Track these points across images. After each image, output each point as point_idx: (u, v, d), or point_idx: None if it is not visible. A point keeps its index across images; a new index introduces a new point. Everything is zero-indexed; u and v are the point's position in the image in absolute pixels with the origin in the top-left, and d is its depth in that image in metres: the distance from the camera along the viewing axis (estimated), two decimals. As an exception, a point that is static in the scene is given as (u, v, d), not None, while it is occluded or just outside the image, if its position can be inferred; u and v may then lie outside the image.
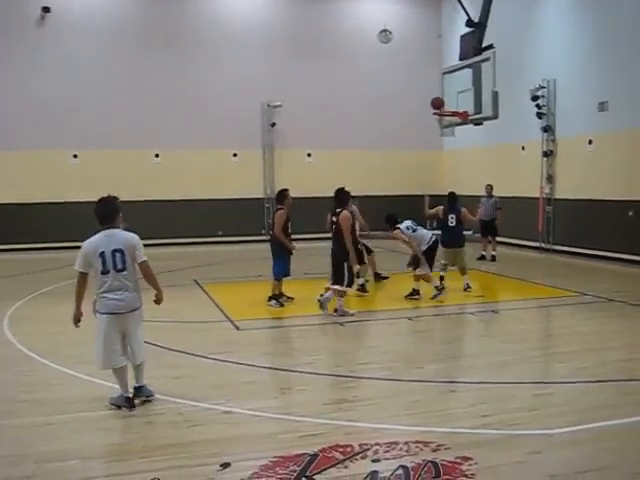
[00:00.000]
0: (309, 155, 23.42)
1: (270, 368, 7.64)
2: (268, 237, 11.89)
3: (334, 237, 10.77)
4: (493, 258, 17.18)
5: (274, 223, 11.54)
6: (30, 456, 5.18)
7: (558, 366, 7.93)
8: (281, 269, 11.53)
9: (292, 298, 11.85)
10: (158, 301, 6.50)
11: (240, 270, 16.53)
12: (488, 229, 17.36)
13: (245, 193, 22.50)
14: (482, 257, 17.30)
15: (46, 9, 20.81)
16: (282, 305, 11.39)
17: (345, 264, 10.49)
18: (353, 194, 11.70)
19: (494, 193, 17.73)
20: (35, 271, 16.15)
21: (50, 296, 12.65)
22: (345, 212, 10.67)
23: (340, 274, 10.55)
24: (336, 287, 10.57)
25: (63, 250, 18.52)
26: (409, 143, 23.53)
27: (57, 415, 6.14)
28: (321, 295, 10.71)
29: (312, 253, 14.92)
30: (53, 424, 5.93)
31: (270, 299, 11.43)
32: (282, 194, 11.77)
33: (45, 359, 8.03)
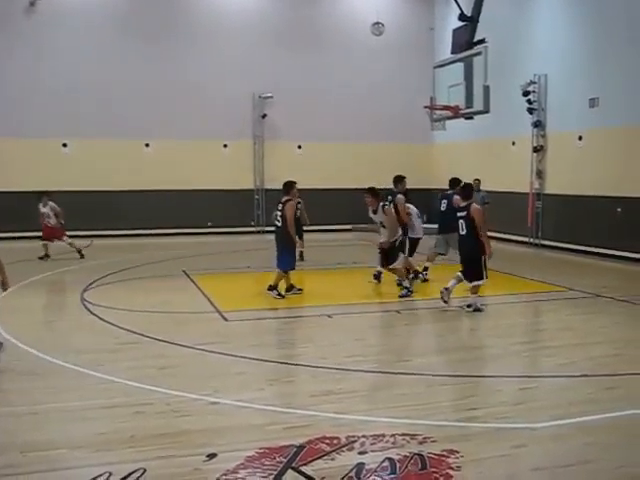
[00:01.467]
0: (299, 147, 23.38)
1: (258, 359, 7.65)
2: (274, 228, 11.70)
3: (468, 233, 10.26)
4: None
5: (284, 215, 11.25)
6: (15, 445, 5.17)
7: (544, 360, 7.99)
8: (289, 262, 11.45)
9: (301, 290, 11.79)
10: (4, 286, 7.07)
11: (229, 261, 16.53)
12: None
13: (235, 184, 22.46)
14: None
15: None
16: (283, 297, 11.29)
17: (483, 258, 10.24)
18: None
19: (482, 187, 17.77)
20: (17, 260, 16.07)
21: (38, 285, 12.62)
22: (476, 206, 10.43)
23: (478, 269, 10.27)
24: (478, 283, 10.34)
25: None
26: (399, 136, 23.51)
27: (42, 405, 6.12)
28: (446, 289, 10.32)
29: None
30: (38, 413, 5.91)
31: (271, 289, 11.34)
32: (290, 185, 11.69)
33: (31, 348, 7.98)
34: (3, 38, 20.50)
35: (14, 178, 20.32)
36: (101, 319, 9.62)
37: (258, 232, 22.45)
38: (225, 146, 22.71)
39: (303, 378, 7.18)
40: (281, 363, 7.68)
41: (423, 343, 9.12)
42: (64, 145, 21.29)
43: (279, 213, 11.37)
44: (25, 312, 10.29)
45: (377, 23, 23.48)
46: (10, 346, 8.04)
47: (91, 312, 10.11)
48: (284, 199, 11.48)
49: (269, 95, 22.51)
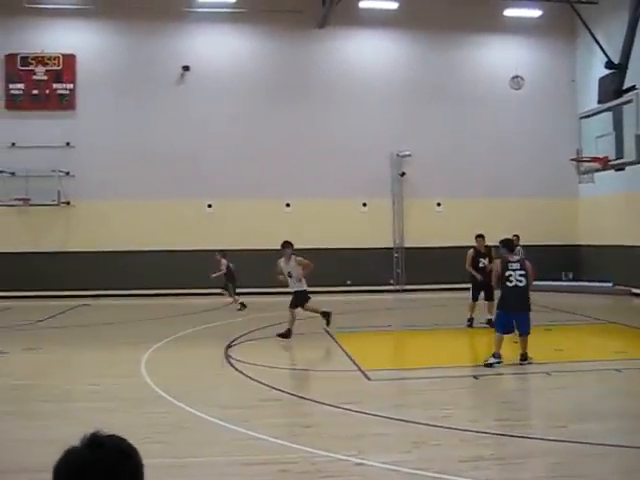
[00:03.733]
0: (439, 205, 23.11)
1: (402, 420, 7.38)
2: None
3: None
4: None
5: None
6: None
7: None
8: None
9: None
10: None
11: (370, 320, 16.37)
12: None
13: (374, 243, 22.44)
14: None
15: (186, 68, 22.15)
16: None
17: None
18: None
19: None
20: (169, 316, 16.72)
21: (185, 340, 13.01)
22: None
23: None
24: None
25: (199, 297, 19.15)
26: (542, 190, 22.72)
27: (187, 458, 6.17)
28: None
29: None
30: (186, 467, 5.95)
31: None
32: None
33: (178, 401, 8.14)
34: (154, 105, 22.02)
35: (161, 238, 21.44)
36: (245, 375, 9.71)
37: (397, 291, 22.20)
38: (364, 205, 22.85)
39: (451, 442, 6.83)
40: (426, 425, 7.36)
41: (576, 407, 8.48)
42: (209, 206, 22.26)
43: None
44: (172, 366, 10.59)
45: (516, 77, 23.11)
46: (158, 399, 8.25)
47: (235, 368, 10.25)
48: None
49: (407, 153, 22.56)
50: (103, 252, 21.41)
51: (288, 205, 22.58)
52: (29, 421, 7.65)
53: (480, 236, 14.20)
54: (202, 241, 21.32)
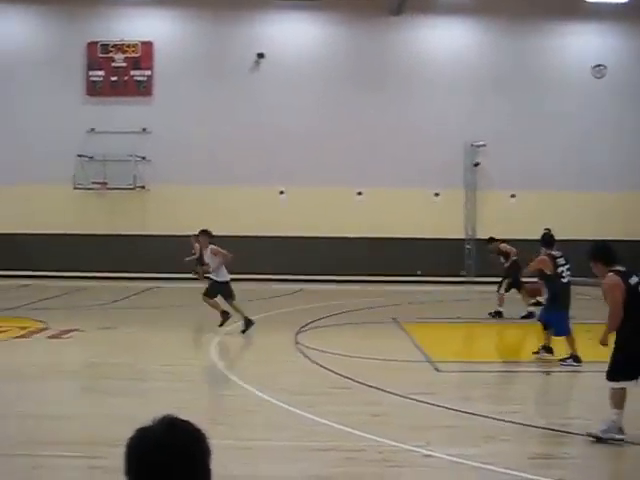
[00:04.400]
0: (512, 196, 22.59)
1: (472, 414, 7.25)
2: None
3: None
4: None
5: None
6: (223, 477, 5.23)
7: None
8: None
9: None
10: None
11: (439, 311, 16.18)
12: None
13: (445, 233, 22.14)
14: None
15: (261, 55, 22.29)
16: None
17: None
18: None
19: None
20: (241, 300, 16.92)
21: (256, 325, 13.15)
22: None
23: None
24: None
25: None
26: (626, 183, 21.91)
27: (254, 441, 6.21)
28: None
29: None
30: (250, 449, 6.00)
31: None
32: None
33: (248, 385, 8.22)
34: (229, 92, 22.28)
35: (234, 222, 21.67)
36: (313, 362, 9.73)
37: (468, 282, 21.87)
38: (436, 195, 22.55)
39: (521, 437, 6.67)
40: (495, 419, 7.21)
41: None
42: (281, 192, 22.40)
43: None
44: (242, 350, 10.72)
45: (599, 65, 22.34)
46: (227, 382, 8.36)
47: (304, 354, 10.29)
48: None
49: (482, 143, 22.12)
50: (177, 236, 21.80)
51: (360, 193, 22.50)
52: (106, 397, 7.88)
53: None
54: (275, 227, 21.51)
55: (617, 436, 6.15)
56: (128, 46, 22.67)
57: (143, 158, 22.23)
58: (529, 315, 13.23)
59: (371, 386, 8.24)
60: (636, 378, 6.30)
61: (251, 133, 22.08)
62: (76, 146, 22.01)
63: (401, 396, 7.86)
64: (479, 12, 22.45)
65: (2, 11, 22.86)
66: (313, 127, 22.14)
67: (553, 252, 10.05)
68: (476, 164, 22.36)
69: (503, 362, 10.23)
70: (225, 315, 12.02)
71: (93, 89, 22.75)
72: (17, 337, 11.58)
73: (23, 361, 9.72)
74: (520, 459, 5.94)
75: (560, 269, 9.73)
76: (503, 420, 7.15)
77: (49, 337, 11.55)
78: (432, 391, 8.12)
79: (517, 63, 22.56)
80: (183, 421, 1.98)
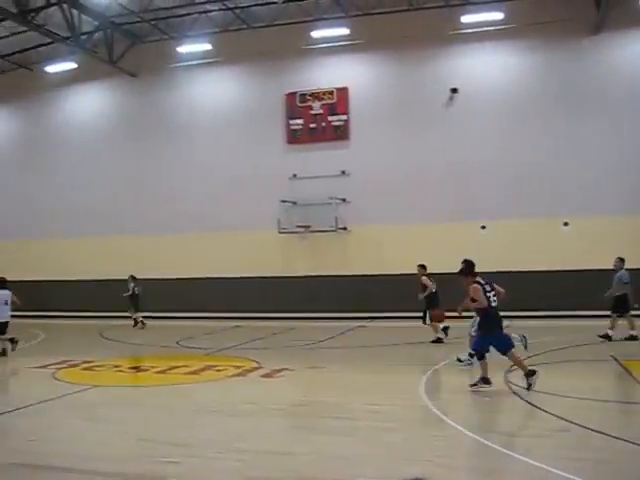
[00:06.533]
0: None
1: None
2: None
3: None
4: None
5: None
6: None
7: None
8: None
9: None
10: None
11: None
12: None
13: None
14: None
15: (454, 90, 22.18)
16: None
17: None
18: None
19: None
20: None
21: (456, 365, 12.84)
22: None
23: None
24: None
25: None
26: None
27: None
28: None
29: None
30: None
31: None
32: None
33: (459, 425, 7.97)
34: (423, 130, 22.49)
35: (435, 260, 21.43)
36: (526, 401, 9.25)
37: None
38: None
39: None
40: None
41: None
42: (483, 227, 21.88)
43: None
44: (450, 389, 10.46)
45: None
46: (438, 422, 8.17)
47: (515, 393, 9.82)
48: None
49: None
50: (379, 275, 22.04)
51: (566, 224, 21.34)
52: (316, 435, 8.00)
53: None
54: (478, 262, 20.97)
55: None
56: (324, 93, 23.61)
57: (343, 200, 22.84)
58: None
59: (592, 429, 7.63)
60: None
61: (448, 169, 21.95)
62: (280, 192, 23.16)
63: (625, 441, 7.16)
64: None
65: (218, 72, 25.00)
66: (509, 157, 21.55)
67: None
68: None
69: None
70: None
71: (293, 137, 23.91)
72: (233, 375, 12.23)
73: (240, 399, 10.20)
74: None
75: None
76: None
77: (262, 376, 12.05)
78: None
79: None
80: None
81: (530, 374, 9.77)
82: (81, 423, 8.97)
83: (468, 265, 10.53)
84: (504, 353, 10.05)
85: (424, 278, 16.32)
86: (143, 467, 6.78)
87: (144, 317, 21.78)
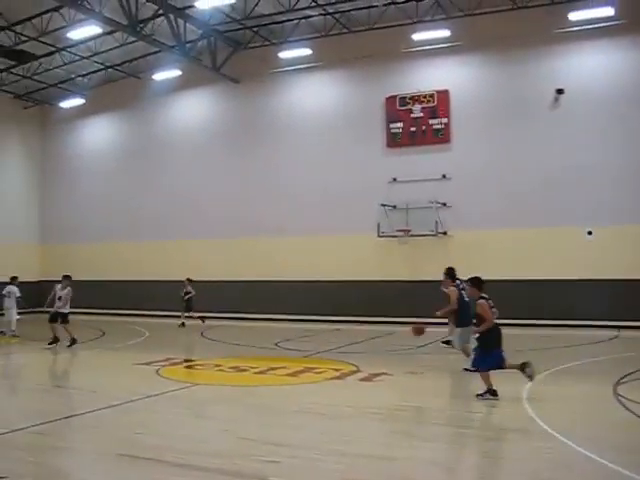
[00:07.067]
0: None
1: None
2: None
3: None
4: None
5: None
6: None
7: None
8: None
9: None
10: None
11: None
12: None
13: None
14: None
15: (560, 91, 21.39)
16: None
17: None
18: None
19: None
20: (546, 347, 16.07)
21: (568, 373, 12.35)
22: None
23: None
24: None
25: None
26: None
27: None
28: None
29: None
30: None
31: None
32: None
33: (565, 438, 7.63)
34: (526, 133, 21.85)
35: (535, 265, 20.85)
36: (638, 416, 8.78)
37: None
38: None
39: None
40: None
41: None
42: (589, 233, 21.05)
43: None
44: (556, 399, 10.07)
45: None
46: (542, 433, 7.86)
47: (626, 408, 9.33)
48: None
49: None
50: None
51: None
52: (415, 441, 7.87)
53: None
54: (581, 269, 20.34)
55: None
56: (424, 96, 23.34)
57: (444, 204, 22.50)
58: None
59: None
60: None
61: (552, 172, 21.24)
62: (379, 196, 23.07)
63: None
64: None
65: (318, 76, 25.28)
66: (620, 162, 20.64)
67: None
68: None
69: None
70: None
71: (393, 140, 23.77)
72: (332, 378, 12.22)
73: (339, 401, 10.17)
74: None
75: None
76: None
77: (361, 379, 12.00)
78: None
79: None
80: None
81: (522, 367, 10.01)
82: (183, 419, 9.19)
83: (479, 280, 10.57)
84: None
85: (452, 289, 14.14)
86: (243, 465, 6.85)
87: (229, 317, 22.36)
